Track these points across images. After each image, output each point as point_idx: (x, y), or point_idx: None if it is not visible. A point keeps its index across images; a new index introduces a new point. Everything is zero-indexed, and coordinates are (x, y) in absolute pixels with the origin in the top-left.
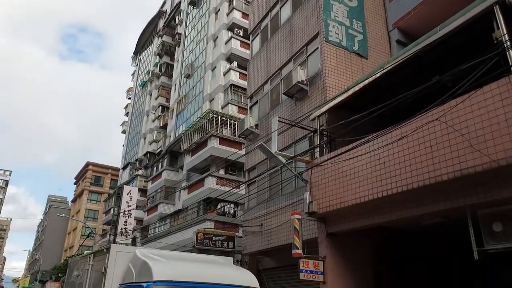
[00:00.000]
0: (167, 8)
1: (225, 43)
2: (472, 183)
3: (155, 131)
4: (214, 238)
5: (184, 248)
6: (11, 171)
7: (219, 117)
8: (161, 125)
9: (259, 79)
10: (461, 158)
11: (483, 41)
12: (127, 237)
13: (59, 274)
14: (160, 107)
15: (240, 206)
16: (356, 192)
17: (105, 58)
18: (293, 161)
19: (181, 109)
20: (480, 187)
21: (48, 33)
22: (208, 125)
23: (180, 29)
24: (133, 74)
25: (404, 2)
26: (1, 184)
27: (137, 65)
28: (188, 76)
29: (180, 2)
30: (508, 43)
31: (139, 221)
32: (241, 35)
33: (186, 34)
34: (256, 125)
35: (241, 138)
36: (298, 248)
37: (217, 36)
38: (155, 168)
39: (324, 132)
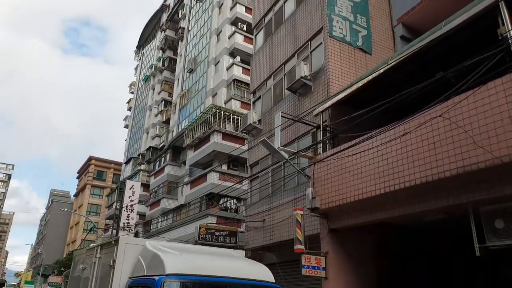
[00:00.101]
0: (170, 2)
1: (229, 38)
2: (475, 179)
3: (157, 126)
4: (216, 233)
5: (187, 243)
6: (13, 165)
7: (222, 112)
8: (164, 119)
9: (262, 74)
10: (464, 154)
11: (487, 37)
12: (129, 231)
13: (62, 268)
14: (163, 101)
15: (242, 202)
16: (358, 188)
17: (108, 52)
18: (296, 157)
19: (184, 104)
20: (483, 184)
21: (51, 26)
22: (211, 120)
23: (183, 23)
24: (136, 69)
25: None
26: (3, 178)
27: (140, 59)
28: (191, 71)
29: None
30: None
31: (141, 215)
32: (245, 29)
33: (189, 29)
34: (259, 121)
35: (244, 134)
36: (300, 244)
37: (221, 31)
38: (157, 163)
39: (327, 128)
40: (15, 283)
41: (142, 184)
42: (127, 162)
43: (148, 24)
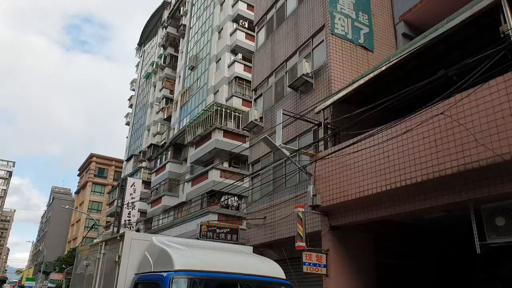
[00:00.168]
0: None
1: (230, 35)
2: (476, 177)
3: (159, 123)
4: (217, 230)
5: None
6: (14, 162)
7: (224, 109)
8: (165, 117)
9: (264, 71)
10: (466, 152)
11: (489, 34)
12: (130, 228)
13: (63, 266)
14: (164, 99)
15: (243, 199)
16: (360, 186)
17: (110, 49)
18: (297, 154)
19: (185, 101)
20: (484, 181)
21: (52, 23)
22: (212, 117)
23: (184, 20)
24: (137, 66)
25: None
26: (4, 175)
27: (141, 56)
28: (192, 68)
29: None
30: None
31: (142, 213)
32: (246, 27)
33: (191, 26)
34: (261, 118)
35: (245, 131)
36: (301, 241)
37: (222, 28)
38: (159, 160)
39: (329, 126)
40: (17, 280)
41: (143, 182)
42: (128, 160)
43: (149, 21)
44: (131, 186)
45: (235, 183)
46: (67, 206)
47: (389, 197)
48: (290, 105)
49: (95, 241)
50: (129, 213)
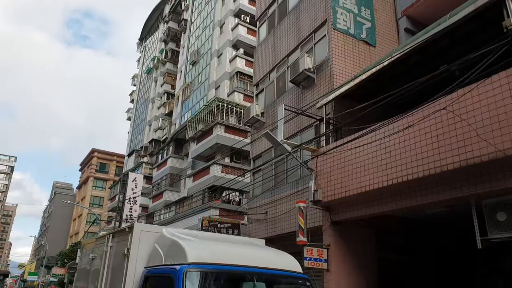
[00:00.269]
0: None
1: (232, 30)
2: (478, 172)
3: (160, 118)
4: (219, 225)
5: None
6: (16, 157)
7: (225, 104)
8: (167, 112)
9: (265, 66)
10: (467, 147)
11: (492, 29)
12: (132, 223)
13: (65, 260)
14: (166, 94)
15: (245, 194)
16: (361, 181)
17: (111, 44)
18: (299, 150)
19: (186, 96)
20: (485, 177)
21: (53, 18)
22: (214, 112)
23: (186, 15)
24: (138, 61)
25: None
26: (6, 170)
27: (142, 51)
28: (193, 63)
29: None
30: None
31: (144, 208)
32: (248, 21)
33: (192, 20)
34: (262, 113)
35: (246, 126)
36: (303, 235)
37: (224, 23)
38: (160, 156)
39: (331, 121)
40: (19, 275)
41: (144, 177)
42: (129, 155)
43: (150, 16)
44: (133, 181)
45: (236, 178)
46: (68, 201)
47: (390, 192)
48: (291, 100)
49: (101, 233)
50: (130, 208)
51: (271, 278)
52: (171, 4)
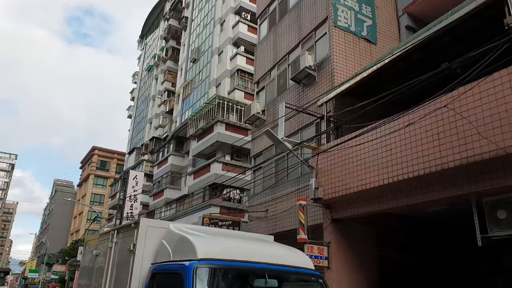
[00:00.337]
0: None
1: (232, 27)
2: (478, 170)
3: (161, 116)
4: (219, 223)
5: None
6: (16, 155)
7: (226, 102)
8: (167, 110)
9: (266, 64)
10: (468, 145)
11: (494, 27)
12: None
13: (66, 257)
14: (166, 91)
15: (245, 192)
16: (362, 179)
17: (112, 42)
18: (300, 147)
19: (187, 94)
20: (486, 175)
21: (54, 15)
22: (214, 110)
23: (186, 13)
24: (139, 58)
25: None
26: (6, 167)
27: (143, 49)
28: (194, 61)
29: None
30: None
31: (145, 205)
32: (249, 19)
33: (193, 18)
34: (263, 111)
35: (247, 124)
36: (303, 230)
37: (224, 20)
38: (161, 153)
39: (331, 119)
40: (20, 272)
41: (145, 174)
42: (130, 152)
43: (151, 13)
44: (133, 179)
45: (237, 176)
46: (69, 199)
47: (391, 190)
48: (292, 98)
49: (105, 229)
50: (131, 206)
51: (283, 274)
52: (172, 2)
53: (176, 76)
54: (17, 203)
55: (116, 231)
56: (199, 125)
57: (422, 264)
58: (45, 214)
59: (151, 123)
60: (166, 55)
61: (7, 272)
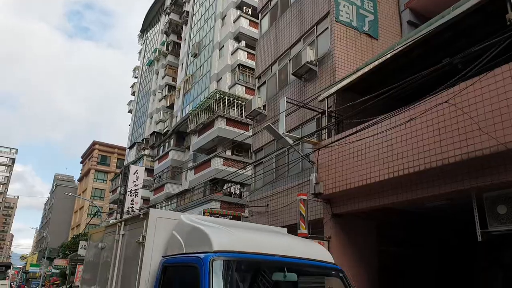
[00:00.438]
0: None
1: (233, 22)
2: (479, 165)
3: (161, 111)
4: (220, 217)
5: None
6: (17, 149)
7: (227, 97)
8: (168, 104)
9: (267, 59)
10: (469, 141)
11: (496, 22)
12: None
13: (67, 252)
14: (167, 86)
15: (246, 187)
16: (362, 174)
17: (112, 36)
18: (301, 143)
19: (188, 88)
20: (487, 170)
21: (54, 9)
22: (215, 105)
23: (187, 7)
24: (139, 53)
25: None
26: (7, 162)
27: (143, 43)
28: (195, 55)
29: None
30: None
31: (145, 200)
32: (250, 13)
33: (194, 12)
34: (264, 106)
35: (248, 119)
36: (303, 224)
37: (225, 15)
38: (161, 148)
39: (332, 114)
40: (21, 266)
41: (146, 169)
42: (131, 147)
43: (152, 7)
44: (134, 174)
45: (237, 171)
46: (70, 193)
47: (391, 185)
48: (293, 93)
49: (111, 221)
50: (132, 201)
51: (303, 268)
52: None
53: (177, 70)
54: (18, 197)
55: (123, 222)
56: (199, 120)
57: (422, 259)
58: (45, 209)
59: (151, 117)
60: (167, 49)
61: (8, 266)
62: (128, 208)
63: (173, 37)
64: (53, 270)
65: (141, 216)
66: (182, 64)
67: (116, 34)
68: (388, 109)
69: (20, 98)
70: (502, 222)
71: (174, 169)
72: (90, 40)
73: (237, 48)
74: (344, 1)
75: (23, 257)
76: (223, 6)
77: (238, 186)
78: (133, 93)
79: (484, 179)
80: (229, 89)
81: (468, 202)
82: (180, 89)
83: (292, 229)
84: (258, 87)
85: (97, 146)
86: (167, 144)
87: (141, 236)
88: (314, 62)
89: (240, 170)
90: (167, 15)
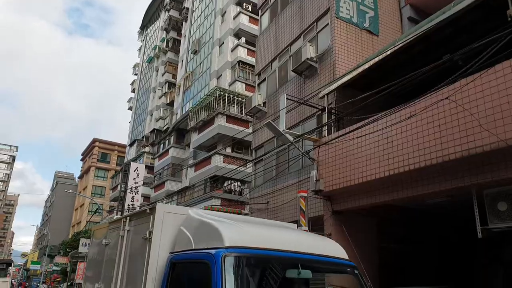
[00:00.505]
0: None
1: (233, 18)
2: (479, 162)
3: (161, 108)
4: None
5: None
6: (17, 147)
7: (227, 94)
8: (168, 102)
9: (267, 55)
10: (470, 137)
11: (497, 18)
12: None
13: (67, 249)
14: (167, 83)
15: (246, 184)
16: (363, 171)
17: (112, 33)
18: (301, 140)
19: (188, 85)
20: (487, 167)
21: (53, 6)
22: (215, 102)
23: (187, 3)
24: (139, 50)
25: None
26: (7, 159)
27: (143, 40)
28: (195, 52)
29: None
30: None
31: (146, 197)
32: (250, 10)
33: (194, 9)
34: (264, 103)
35: (248, 116)
36: (304, 220)
37: (225, 11)
38: (162, 145)
39: (333, 110)
40: (22, 263)
41: (146, 166)
42: (131, 144)
43: (152, 4)
44: (134, 171)
45: (238, 169)
46: (70, 191)
47: (392, 182)
48: (294, 90)
49: (115, 217)
50: (132, 198)
51: (317, 265)
52: None
53: (177, 67)
54: (19, 195)
55: (128, 218)
56: (200, 117)
57: (423, 255)
58: (46, 206)
59: (151, 115)
60: (166, 46)
61: (9, 263)
62: (128, 205)
63: (173, 34)
64: (54, 268)
65: (148, 211)
66: (182, 61)
67: (116, 31)
68: (389, 106)
69: (20, 96)
70: (503, 219)
71: (174, 166)
72: (90, 37)
73: (237, 45)
74: None
75: (24, 255)
76: (223, 3)
77: (239, 183)
78: (133, 90)
79: (485, 176)
80: (229, 86)
81: (468, 199)
82: (180, 86)
83: None
84: (258, 84)
85: (97, 143)
86: (167, 141)
87: (147, 232)
88: (315, 59)
89: (241, 167)
90: (167, 11)
